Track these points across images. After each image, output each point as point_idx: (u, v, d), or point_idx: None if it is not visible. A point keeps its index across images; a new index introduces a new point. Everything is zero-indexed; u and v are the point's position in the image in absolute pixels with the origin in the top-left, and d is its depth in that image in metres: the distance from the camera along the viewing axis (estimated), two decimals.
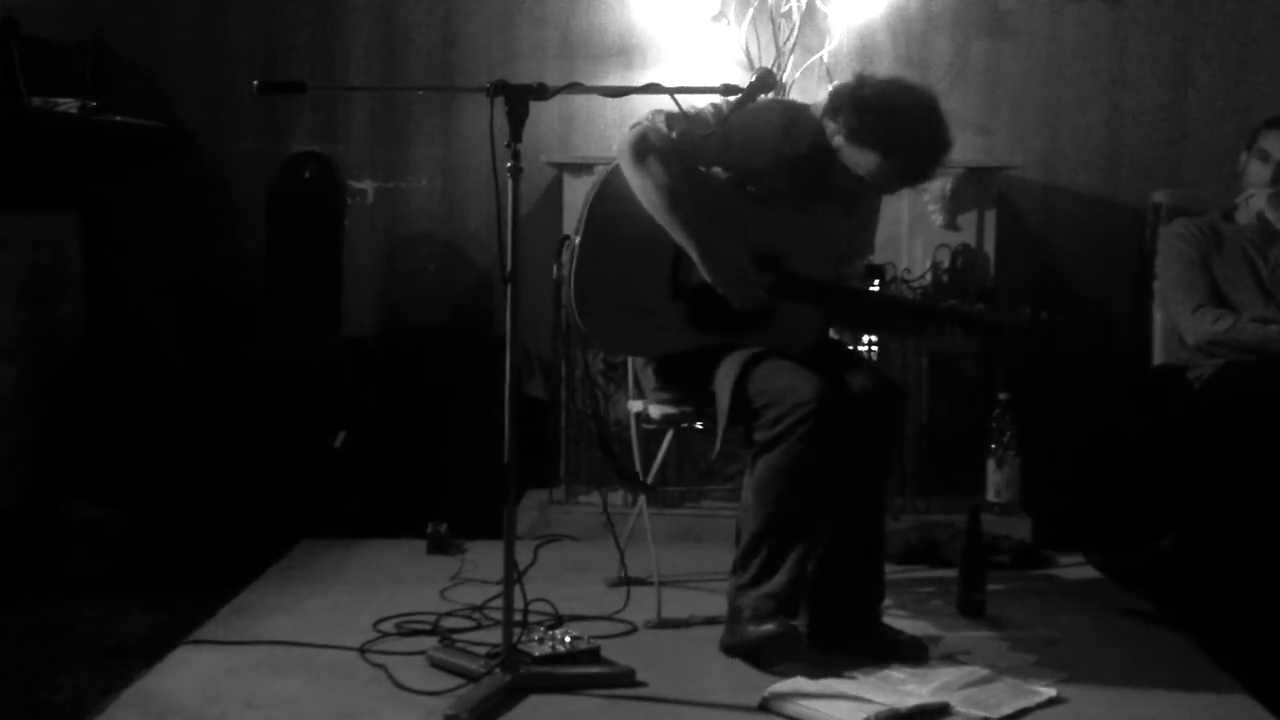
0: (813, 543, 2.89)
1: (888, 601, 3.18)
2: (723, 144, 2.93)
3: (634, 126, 2.91)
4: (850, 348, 3.21)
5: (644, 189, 2.88)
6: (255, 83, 2.63)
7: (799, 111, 3.05)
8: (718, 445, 3.01)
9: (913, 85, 2.97)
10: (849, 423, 2.86)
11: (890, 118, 2.87)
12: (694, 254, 2.89)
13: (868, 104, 2.89)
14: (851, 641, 2.90)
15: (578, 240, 2.92)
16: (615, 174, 2.94)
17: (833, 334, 3.21)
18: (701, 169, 2.97)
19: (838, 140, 2.93)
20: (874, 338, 4.02)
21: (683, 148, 2.89)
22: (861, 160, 2.90)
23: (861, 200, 3.10)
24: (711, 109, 2.92)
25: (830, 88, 3.06)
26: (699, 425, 3.15)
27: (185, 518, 3.86)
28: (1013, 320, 2.95)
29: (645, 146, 2.88)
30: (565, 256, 2.93)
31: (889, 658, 2.84)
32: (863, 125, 2.88)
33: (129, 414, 4.06)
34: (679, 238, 2.89)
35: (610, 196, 2.94)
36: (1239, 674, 2.82)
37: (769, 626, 2.79)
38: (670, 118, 2.88)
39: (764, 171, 2.99)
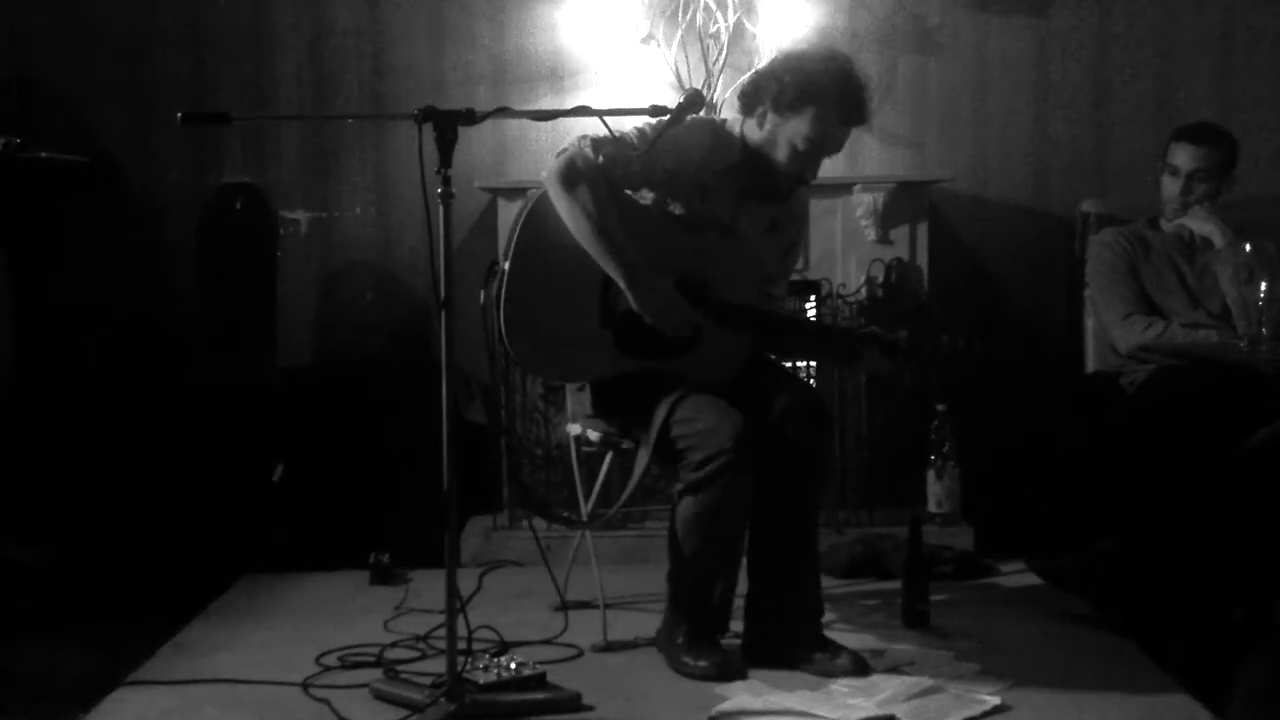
0: (734, 576, 2.96)
1: (833, 615, 3.20)
2: (649, 166, 2.94)
3: (561, 153, 2.90)
4: (780, 364, 3.23)
5: (572, 217, 2.88)
6: (179, 114, 2.61)
7: (722, 127, 3.08)
8: (631, 487, 3.08)
9: (806, 44, 3.00)
10: (776, 442, 2.90)
11: (808, 67, 2.94)
12: (622, 284, 2.89)
13: (780, 69, 2.97)
14: (793, 658, 2.92)
15: (507, 266, 2.91)
16: (544, 200, 2.93)
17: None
18: (628, 193, 2.98)
19: (768, 126, 2.96)
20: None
21: (610, 172, 2.90)
22: (799, 125, 2.93)
23: (788, 215, 3.14)
24: (636, 131, 2.93)
25: (737, 92, 3.10)
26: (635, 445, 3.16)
27: (122, 554, 3.81)
28: (931, 346, 2.98)
29: (573, 173, 2.87)
30: (494, 283, 2.92)
31: (831, 673, 2.85)
32: (786, 88, 2.93)
33: (61, 449, 4.00)
34: (607, 267, 2.89)
35: (539, 223, 2.93)
36: (1179, 674, 2.86)
37: (703, 664, 2.84)
38: (596, 142, 2.89)
39: (692, 190, 3.01)
